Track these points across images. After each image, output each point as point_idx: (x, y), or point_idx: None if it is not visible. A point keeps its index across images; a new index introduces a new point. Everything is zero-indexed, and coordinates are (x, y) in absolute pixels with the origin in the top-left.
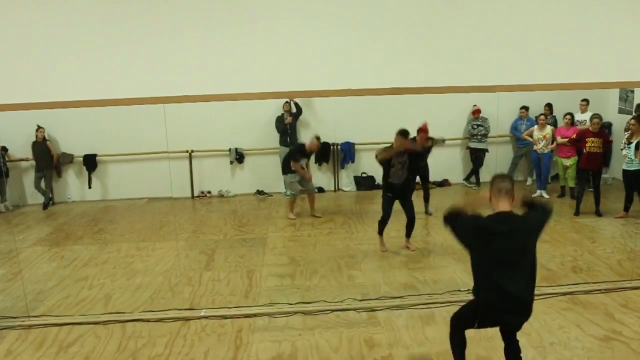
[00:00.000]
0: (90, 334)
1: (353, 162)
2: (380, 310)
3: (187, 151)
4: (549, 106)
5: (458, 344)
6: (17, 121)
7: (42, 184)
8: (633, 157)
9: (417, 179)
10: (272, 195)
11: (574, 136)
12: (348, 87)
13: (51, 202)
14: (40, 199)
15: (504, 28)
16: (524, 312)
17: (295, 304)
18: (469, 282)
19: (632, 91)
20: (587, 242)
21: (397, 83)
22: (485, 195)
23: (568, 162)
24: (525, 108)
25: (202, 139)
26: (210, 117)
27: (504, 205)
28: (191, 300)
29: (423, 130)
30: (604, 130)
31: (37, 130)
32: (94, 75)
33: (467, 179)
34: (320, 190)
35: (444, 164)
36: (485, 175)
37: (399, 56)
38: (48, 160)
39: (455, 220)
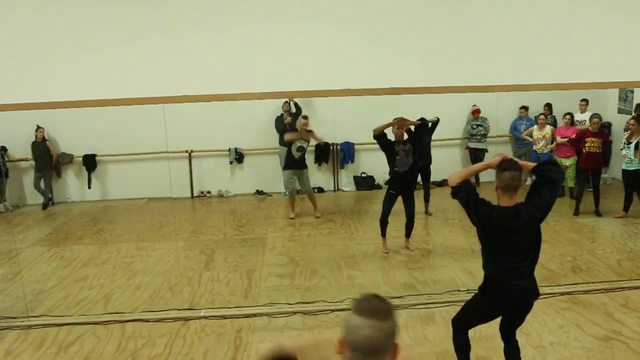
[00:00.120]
0: (90, 334)
1: (352, 162)
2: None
3: (186, 151)
4: (548, 106)
5: (462, 346)
6: (17, 121)
7: (42, 184)
8: (632, 157)
9: (419, 178)
10: (271, 196)
11: (574, 136)
12: (347, 87)
13: (51, 202)
14: (40, 199)
15: (503, 28)
16: (532, 290)
17: (295, 304)
18: (469, 282)
19: (632, 91)
20: (586, 242)
21: (397, 83)
22: (491, 164)
23: (568, 162)
24: (525, 108)
25: (201, 139)
26: (210, 117)
27: (511, 200)
28: (191, 300)
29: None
30: (603, 130)
31: (36, 130)
32: (93, 75)
33: None
34: (320, 190)
35: (444, 164)
36: (485, 175)
37: (398, 56)
38: (48, 160)
39: (466, 198)
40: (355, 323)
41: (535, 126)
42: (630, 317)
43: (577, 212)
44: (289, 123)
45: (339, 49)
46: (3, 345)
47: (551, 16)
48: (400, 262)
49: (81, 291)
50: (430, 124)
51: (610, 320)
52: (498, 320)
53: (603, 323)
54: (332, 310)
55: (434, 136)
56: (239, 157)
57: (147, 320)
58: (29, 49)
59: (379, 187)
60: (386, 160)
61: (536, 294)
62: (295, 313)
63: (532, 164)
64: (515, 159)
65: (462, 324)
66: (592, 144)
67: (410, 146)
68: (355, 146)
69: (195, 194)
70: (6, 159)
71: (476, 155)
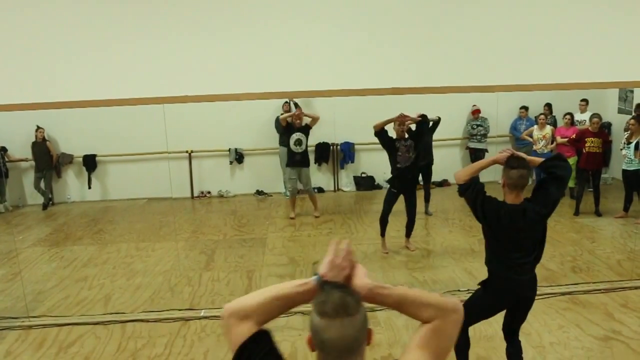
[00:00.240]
0: (90, 335)
1: (353, 162)
2: (380, 310)
3: (186, 151)
4: (548, 106)
5: (462, 344)
6: (17, 121)
7: (42, 185)
8: (632, 157)
9: (419, 178)
10: (271, 196)
11: (574, 136)
12: (347, 87)
13: (51, 202)
14: (40, 200)
15: (503, 28)
16: (533, 285)
17: None
18: (469, 282)
19: (632, 91)
20: (586, 242)
21: (397, 83)
22: (498, 160)
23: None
24: (525, 108)
25: (201, 139)
26: (210, 117)
27: (518, 198)
28: (191, 300)
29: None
30: (603, 130)
31: (36, 131)
32: (93, 75)
33: None
34: (320, 190)
35: (444, 164)
36: (485, 175)
37: (398, 56)
38: (48, 160)
39: (474, 197)
40: (322, 326)
41: (536, 126)
42: (630, 317)
43: (577, 212)
44: (293, 124)
45: (339, 49)
46: (3, 346)
47: (551, 16)
48: (400, 262)
49: (81, 291)
50: (431, 123)
51: (610, 320)
52: (498, 320)
53: (603, 323)
54: None
55: (434, 136)
56: (239, 157)
57: (147, 321)
58: (29, 49)
59: (379, 187)
60: (388, 158)
61: (534, 290)
62: (295, 313)
63: (539, 160)
64: (523, 155)
65: (464, 320)
66: (592, 144)
67: (411, 142)
68: (356, 146)
69: (195, 194)
70: (6, 159)
71: (476, 155)
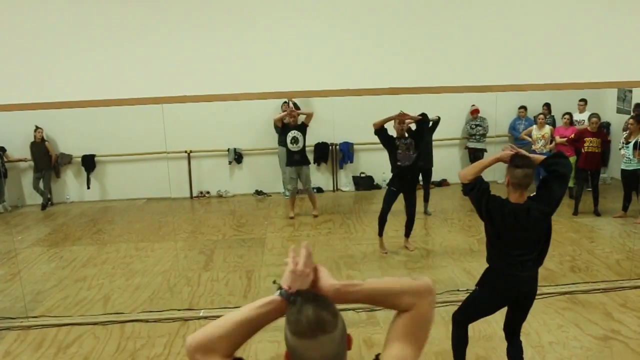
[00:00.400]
0: (89, 335)
1: (352, 162)
2: (380, 310)
3: (185, 151)
4: (547, 106)
5: (460, 341)
6: (16, 121)
7: (41, 185)
8: (631, 157)
9: (420, 178)
10: (270, 196)
11: (572, 136)
12: (346, 87)
13: (50, 202)
14: (39, 200)
15: (502, 28)
16: (534, 282)
17: None
18: (468, 282)
19: (631, 91)
20: (585, 241)
21: (396, 83)
22: (502, 158)
23: None
24: (524, 108)
25: (200, 139)
26: (209, 117)
27: (522, 197)
28: (190, 300)
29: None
30: (602, 130)
31: (35, 131)
32: (93, 75)
33: None
34: (319, 190)
35: (443, 164)
36: (485, 175)
37: (397, 56)
38: (47, 160)
39: (479, 197)
40: (300, 346)
41: (534, 126)
42: (629, 317)
43: (576, 212)
44: (289, 123)
45: (338, 49)
46: (2, 346)
47: (550, 16)
48: (400, 262)
49: (80, 291)
50: (431, 123)
51: (610, 320)
52: (497, 319)
53: (602, 322)
54: None
55: (434, 136)
56: (238, 157)
57: (147, 321)
58: (28, 49)
59: (378, 187)
60: (387, 158)
61: (535, 288)
62: None
63: (541, 157)
64: (525, 153)
65: (464, 317)
66: (590, 144)
67: (411, 140)
68: (355, 146)
69: (194, 194)
70: (5, 159)
71: (475, 155)
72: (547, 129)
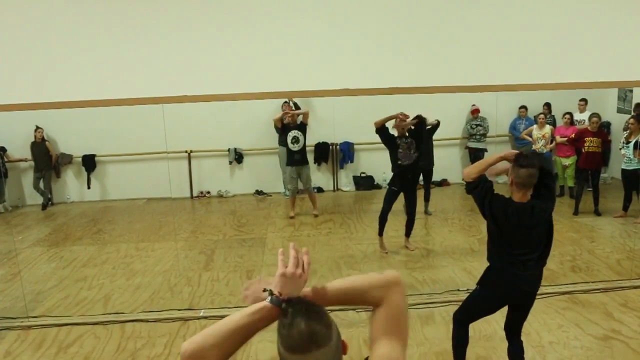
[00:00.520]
0: (90, 335)
1: (352, 162)
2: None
3: (186, 151)
4: (547, 105)
5: (460, 341)
6: (16, 121)
7: (41, 185)
8: (632, 157)
9: (420, 178)
10: (271, 196)
11: (573, 136)
12: (346, 87)
13: (50, 202)
14: (39, 200)
15: (502, 27)
16: (535, 281)
17: None
18: (469, 282)
19: (631, 90)
20: (586, 241)
21: (396, 83)
22: (507, 157)
23: (567, 161)
24: (524, 107)
25: (201, 139)
26: (210, 117)
27: (525, 196)
28: (190, 300)
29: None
30: (602, 129)
31: (35, 131)
32: (93, 75)
33: None
34: (320, 190)
35: (443, 164)
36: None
37: (397, 56)
38: (47, 160)
39: (482, 196)
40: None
41: (535, 126)
42: (630, 317)
43: (576, 212)
44: (289, 123)
45: (338, 49)
46: (3, 346)
47: (550, 16)
48: (400, 262)
49: (81, 291)
50: (430, 126)
51: (610, 320)
52: (498, 319)
53: (602, 322)
54: (331, 310)
55: (435, 136)
56: (238, 157)
57: (147, 321)
58: (28, 49)
59: (378, 187)
60: (388, 157)
61: (538, 287)
62: None
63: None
64: (530, 155)
65: (465, 316)
66: (591, 144)
67: (412, 140)
68: (355, 146)
69: (194, 194)
70: (5, 159)
71: (476, 155)
72: (548, 128)
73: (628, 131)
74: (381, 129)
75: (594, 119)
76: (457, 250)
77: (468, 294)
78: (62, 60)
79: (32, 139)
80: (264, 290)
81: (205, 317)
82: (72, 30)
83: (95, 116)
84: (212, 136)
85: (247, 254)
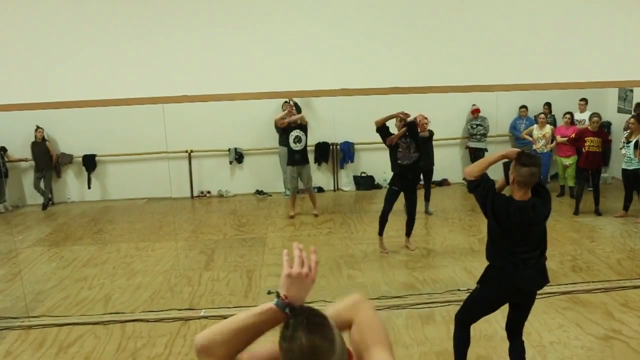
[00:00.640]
0: (90, 334)
1: (352, 161)
2: (380, 309)
3: (186, 151)
4: (548, 105)
5: (461, 342)
6: (16, 121)
7: (42, 185)
8: (632, 156)
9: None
10: (271, 195)
11: (573, 135)
12: (347, 87)
13: (50, 202)
14: (40, 200)
15: (502, 27)
16: (540, 276)
17: None
18: (469, 282)
19: (632, 90)
20: (586, 241)
21: (396, 83)
22: (508, 155)
23: (567, 161)
24: (525, 107)
25: (201, 139)
26: (210, 117)
27: (526, 195)
28: (191, 300)
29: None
30: (603, 129)
31: (36, 131)
32: (93, 75)
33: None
34: (320, 190)
35: (444, 163)
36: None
37: (397, 56)
38: (47, 160)
39: (484, 195)
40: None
41: (535, 125)
42: (630, 317)
43: (577, 212)
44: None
45: (338, 48)
46: (3, 346)
47: (550, 16)
48: (400, 262)
49: (81, 291)
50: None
51: (611, 320)
52: (498, 319)
53: (603, 322)
54: None
55: (435, 136)
56: (238, 157)
57: (147, 320)
58: (28, 49)
59: (378, 186)
60: (388, 157)
61: (540, 285)
62: None
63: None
64: (532, 154)
65: (467, 316)
66: (591, 144)
67: (411, 140)
68: (355, 146)
69: (195, 194)
70: (6, 159)
71: (476, 155)
72: (548, 128)
73: (628, 131)
74: (381, 128)
75: (595, 118)
76: (458, 250)
77: (468, 294)
78: (62, 60)
79: (33, 139)
80: (269, 292)
81: (206, 317)
82: (72, 30)
83: (95, 116)
84: (213, 136)
85: (248, 254)
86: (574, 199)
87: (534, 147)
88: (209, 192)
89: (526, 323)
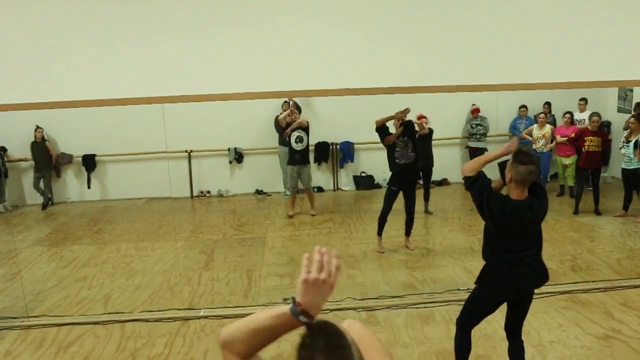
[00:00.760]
0: (90, 334)
1: (352, 161)
2: (380, 309)
3: (186, 151)
4: (547, 105)
5: (462, 347)
6: (16, 121)
7: (41, 184)
8: (632, 156)
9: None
10: (271, 195)
11: (573, 135)
12: (347, 87)
13: (50, 202)
14: (40, 199)
15: (502, 27)
16: (539, 274)
17: None
18: (469, 282)
19: (631, 90)
20: (586, 241)
21: (396, 82)
22: (509, 149)
23: (567, 161)
24: (525, 107)
25: (201, 139)
26: (209, 116)
27: (523, 194)
28: (190, 300)
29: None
30: (603, 129)
31: (36, 130)
32: (93, 75)
33: None
34: (320, 189)
35: (443, 163)
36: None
37: (397, 55)
38: (47, 160)
39: (480, 192)
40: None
41: (535, 125)
42: (630, 316)
43: (576, 211)
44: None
45: (338, 48)
46: (3, 346)
47: (550, 15)
48: (400, 261)
49: (81, 291)
50: (421, 132)
51: (610, 319)
52: (498, 318)
53: (603, 322)
54: (332, 310)
55: (434, 135)
56: (238, 156)
57: (147, 320)
58: (28, 49)
59: (378, 186)
60: (386, 155)
61: (539, 282)
62: None
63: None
64: (529, 152)
65: (467, 319)
66: (591, 143)
67: (408, 139)
68: (355, 145)
69: (194, 194)
70: (6, 159)
71: (476, 155)
72: (548, 128)
73: (628, 130)
74: (381, 128)
75: (594, 118)
76: (457, 250)
77: (468, 297)
78: (62, 60)
79: (32, 139)
80: (285, 299)
81: (205, 317)
82: (72, 30)
83: (95, 116)
84: (212, 136)
85: (247, 254)
86: (574, 199)
87: (534, 146)
88: (208, 192)
89: (526, 323)
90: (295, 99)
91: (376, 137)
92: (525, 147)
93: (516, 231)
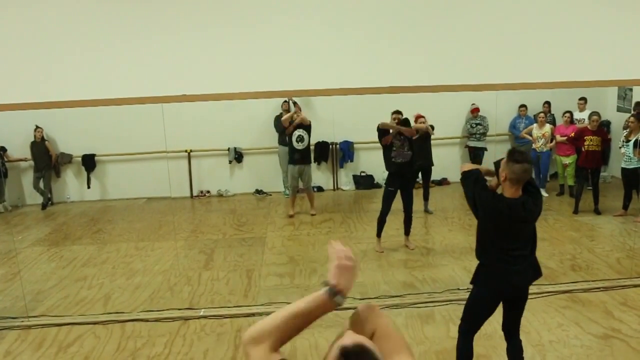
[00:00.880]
0: (90, 334)
1: (352, 161)
2: (380, 309)
3: (185, 151)
4: (547, 104)
5: (464, 354)
6: (16, 121)
7: (41, 184)
8: (631, 155)
9: (419, 177)
10: (271, 195)
11: (573, 134)
12: (346, 86)
13: (50, 202)
14: (39, 199)
15: (502, 26)
16: (532, 270)
17: None
18: (468, 281)
19: (631, 89)
20: (586, 240)
21: (396, 82)
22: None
23: (567, 160)
24: (524, 106)
25: (200, 139)
26: (209, 116)
27: (517, 192)
28: (190, 299)
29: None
30: (602, 128)
31: (35, 130)
32: (93, 75)
33: None
34: (319, 189)
35: (443, 163)
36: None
37: (397, 55)
38: (47, 160)
39: (473, 184)
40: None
41: (535, 124)
42: (630, 315)
43: (576, 211)
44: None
45: (338, 48)
46: (3, 346)
47: (550, 15)
48: (400, 261)
49: (81, 291)
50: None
51: (610, 319)
52: (498, 318)
53: (602, 321)
54: (335, 310)
55: (434, 135)
56: (238, 156)
57: (147, 320)
58: (28, 49)
59: (378, 186)
60: (382, 154)
61: (533, 278)
62: None
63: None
64: (523, 150)
65: (468, 323)
66: (591, 142)
67: (405, 138)
68: (355, 145)
69: (194, 194)
70: (5, 159)
71: (475, 154)
72: (548, 127)
73: (628, 130)
74: (381, 128)
75: (594, 117)
76: (457, 249)
77: (466, 300)
78: (62, 60)
79: (32, 139)
80: (323, 283)
81: (205, 317)
82: (72, 30)
83: (94, 116)
84: (212, 135)
85: (247, 253)
86: (574, 198)
87: (534, 146)
88: (208, 192)
89: (525, 322)
90: (295, 99)
91: (376, 137)
92: (525, 147)
93: (509, 230)
